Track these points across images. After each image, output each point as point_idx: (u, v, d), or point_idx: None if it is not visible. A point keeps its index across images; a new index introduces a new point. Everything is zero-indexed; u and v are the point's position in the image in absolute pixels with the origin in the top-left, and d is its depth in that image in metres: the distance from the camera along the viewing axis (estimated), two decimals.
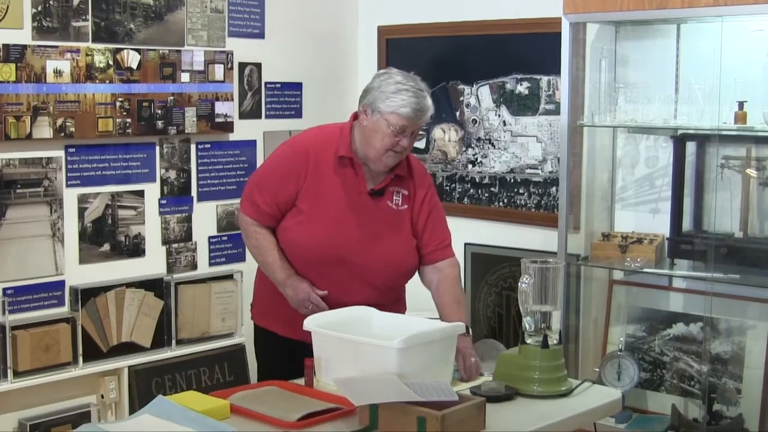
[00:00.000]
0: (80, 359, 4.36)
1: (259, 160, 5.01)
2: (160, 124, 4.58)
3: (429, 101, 3.34)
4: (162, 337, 4.62)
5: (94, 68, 4.34)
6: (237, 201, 4.88)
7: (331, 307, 3.29)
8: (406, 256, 3.43)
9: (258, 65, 5.01)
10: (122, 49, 4.44)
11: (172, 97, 4.60)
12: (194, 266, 4.81)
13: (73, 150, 4.34)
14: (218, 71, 4.78)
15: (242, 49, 4.90)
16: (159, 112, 4.56)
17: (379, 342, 2.92)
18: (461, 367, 3.18)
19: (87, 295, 4.38)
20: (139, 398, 4.41)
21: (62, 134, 4.25)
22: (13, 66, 4.09)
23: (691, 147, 4.29)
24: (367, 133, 3.35)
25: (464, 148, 5.10)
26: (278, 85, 5.10)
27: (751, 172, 4.15)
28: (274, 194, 3.40)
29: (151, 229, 4.64)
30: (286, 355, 3.39)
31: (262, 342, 3.63)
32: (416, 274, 3.55)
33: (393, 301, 3.52)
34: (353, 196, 3.39)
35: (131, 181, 4.56)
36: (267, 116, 5.06)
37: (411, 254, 3.45)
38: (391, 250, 3.40)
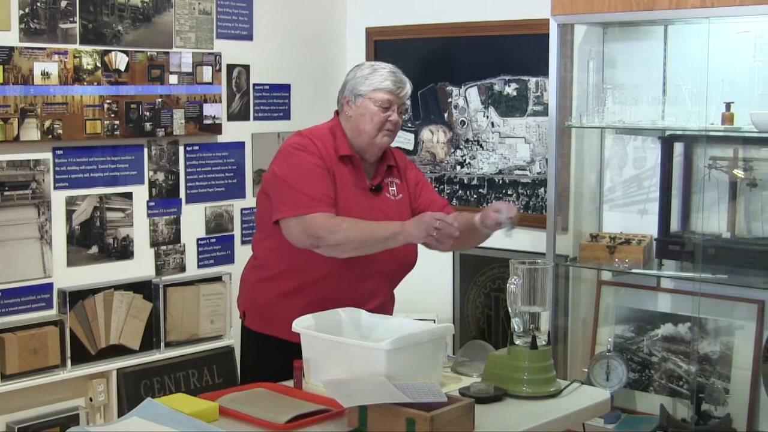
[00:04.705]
0: (68, 362, 4.35)
1: (248, 162, 5.01)
2: (148, 126, 4.57)
3: (405, 77, 3.50)
4: (150, 339, 4.62)
5: (82, 70, 4.33)
6: (225, 203, 4.93)
7: (349, 295, 3.34)
8: (409, 246, 3.43)
9: (246, 67, 5.00)
10: (110, 50, 4.43)
11: (160, 99, 4.60)
12: (183, 268, 4.80)
13: (61, 152, 4.34)
14: (206, 73, 4.77)
15: (230, 51, 4.90)
16: (147, 114, 4.56)
17: (368, 343, 2.92)
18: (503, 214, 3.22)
19: (75, 297, 4.37)
20: (128, 401, 4.40)
21: (50, 136, 4.24)
22: (0, 68, 4.08)
23: (678, 148, 4.31)
24: (355, 120, 3.44)
25: (453, 150, 5.10)
26: (266, 87, 5.10)
27: (739, 172, 4.16)
28: (328, 189, 3.34)
29: (140, 232, 4.63)
30: (285, 356, 3.34)
31: (259, 346, 3.57)
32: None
33: (389, 298, 3.60)
34: (359, 193, 3.44)
35: (119, 183, 4.55)
36: (255, 118, 5.06)
37: (413, 244, 3.46)
38: None
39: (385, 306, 3.53)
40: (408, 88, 3.48)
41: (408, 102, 3.54)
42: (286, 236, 3.36)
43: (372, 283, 3.43)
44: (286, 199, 3.34)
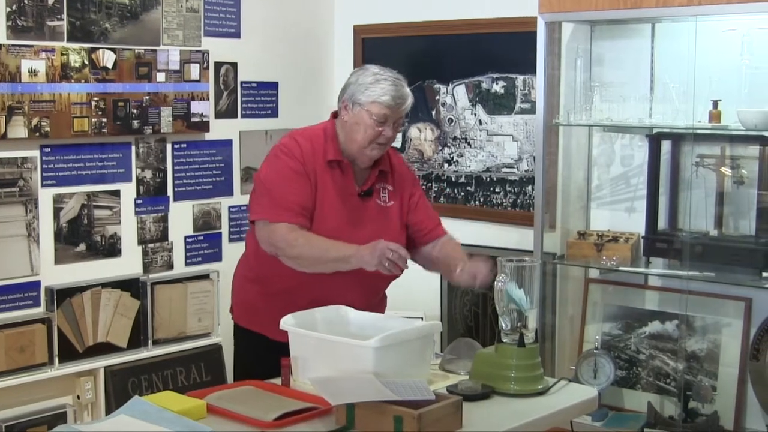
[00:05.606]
0: (56, 360, 4.34)
1: (235, 160, 5.00)
2: (135, 123, 4.56)
3: (408, 90, 3.40)
4: (138, 337, 4.61)
5: (70, 68, 4.32)
6: (213, 200, 4.92)
7: (334, 299, 3.28)
8: None
9: (234, 65, 5.00)
10: (97, 48, 4.42)
11: (147, 97, 4.59)
12: (170, 266, 4.79)
13: (49, 150, 4.32)
14: (194, 71, 4.77)
15: (218, 49, 4.89)
16: (135, 111, 4.55)
17: (356, 341, 2.92)
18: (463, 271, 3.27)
19: (63, 295, 4.36)
20: (116, 399, 4.40)
21: (37, 134, 4.23)
22: None
23: (666, 146, 4.32)
24: (349, 127, 3.38)
25: (440, 147, 5.11)
26: (254, 85, 5.10)
27: (726, 170, 4.17)
28: (300, 198, 3.32)
29: (127, 229, 4.62)
30: (272, 355, 3.33)
31: (246, 343, 3.57)
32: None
33: (379, 300, 3.58)
34: (345, 198, 3.39)
35: (107, 180, 4.54)
36: (243, 116, 5.05)
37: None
38: None
39: (376, 307, 3.51)
40: (408, 102, 3.39)
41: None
42: (257, 238, 3.39)
43: (357, 288, 3.38)
44: (260, 201, 3.37)
